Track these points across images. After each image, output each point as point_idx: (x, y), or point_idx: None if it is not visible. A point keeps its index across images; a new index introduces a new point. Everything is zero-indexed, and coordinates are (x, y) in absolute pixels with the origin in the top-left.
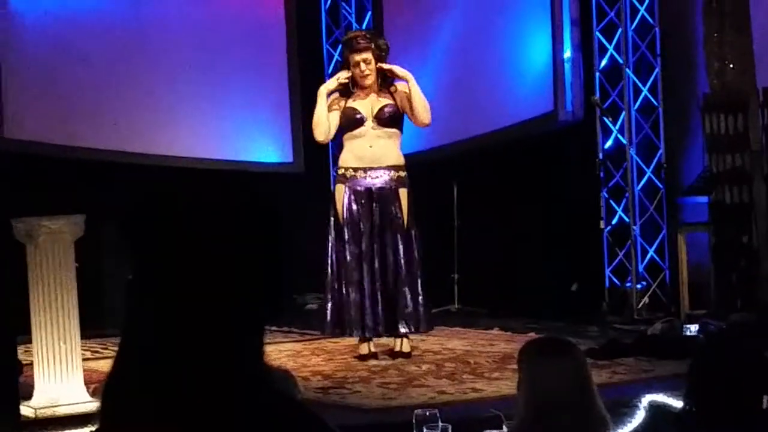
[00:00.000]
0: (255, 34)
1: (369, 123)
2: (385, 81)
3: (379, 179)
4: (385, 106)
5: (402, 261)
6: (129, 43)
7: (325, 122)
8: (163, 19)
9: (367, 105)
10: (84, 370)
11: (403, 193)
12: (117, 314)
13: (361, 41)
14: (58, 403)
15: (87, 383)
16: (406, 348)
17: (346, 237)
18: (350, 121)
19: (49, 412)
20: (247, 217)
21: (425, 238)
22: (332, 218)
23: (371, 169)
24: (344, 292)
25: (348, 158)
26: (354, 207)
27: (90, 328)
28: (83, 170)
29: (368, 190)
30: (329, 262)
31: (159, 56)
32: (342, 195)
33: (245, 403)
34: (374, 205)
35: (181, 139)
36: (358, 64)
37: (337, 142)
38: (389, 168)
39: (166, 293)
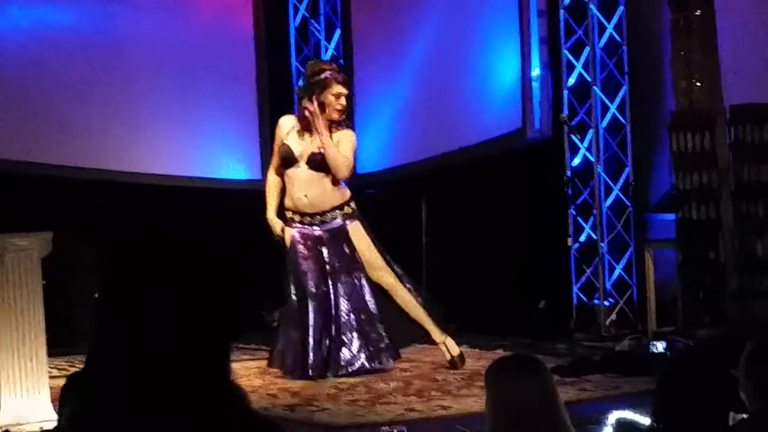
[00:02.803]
0: (224, 51)
1: (302, 164)
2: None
3: (325, 223)
4: (319, 149)
5: (370, 302)
6: (98, 61)
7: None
8: (133, 37)
9: (306, 144)
10: (51, 388)
11: (354, 228)
12: (84, 332)
13: (345, 78)
14: (25, 421)
15: (54, 401)
16: None
17: (291, 278)
18: (284, 160)
19: (15, 430)
20: (212, 237)
21: (393, 255)
22: (286, 257)
23: (314, 214)
24: (288, 331)
25: (289, 203)
26: (300, 248)
27: (57, 346)
28: (51, 187)
29: (315, 234)
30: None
31: (127, 74)
32: (289, 237)
33: (212, 418)
34: (324, 248)
35: (149, 156)
36: (341, 96)
37: None
38: (332, 209)
39: (133, 311)
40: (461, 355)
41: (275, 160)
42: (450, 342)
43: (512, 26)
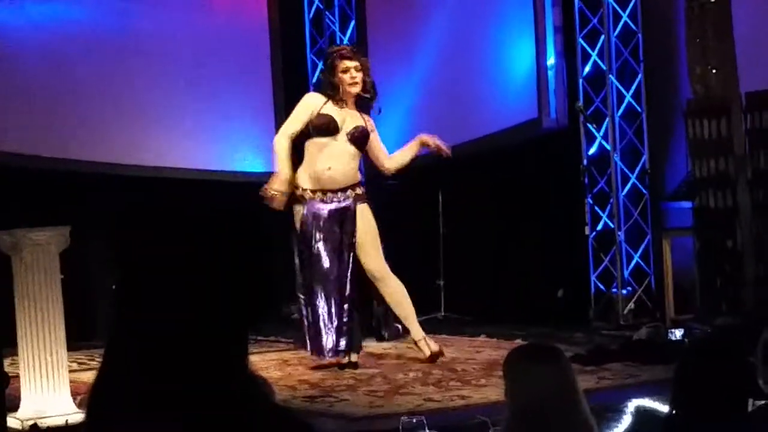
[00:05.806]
0: (239, 44)
1: (341, 136)
2: (360, 101)
3: (337, 201)
4: (360, 125)
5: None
6: (114, 55)
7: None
8: (148, 31)
9: (347, 117)
10: (71, 382)
11: (362, 209)
12: (103, 326)
13: (350, 51)
14: (44, 415)
15: (74, 394)
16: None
17: (303, 258)
18: (322, 128)
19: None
20: (228, 230)
21: (411, 246)
22: (293, 238)
23: (329, 191)
24: (304, 311)
25: (304, 178)
26: (312, 230)
27: (76, 340)
28: (67, 182)
29: (328, 212)
30: (297, 281)
31: (143, 68)
32: (299, 216)
33: (232, 409)
34: (336, 225)
35: (164, 150)
36: (348, 70)
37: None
38: (347, 188)
39: (150, 302)
40: (441, 351)
41: (294, 128)
42: (428, 340)
43: (527, 15)
